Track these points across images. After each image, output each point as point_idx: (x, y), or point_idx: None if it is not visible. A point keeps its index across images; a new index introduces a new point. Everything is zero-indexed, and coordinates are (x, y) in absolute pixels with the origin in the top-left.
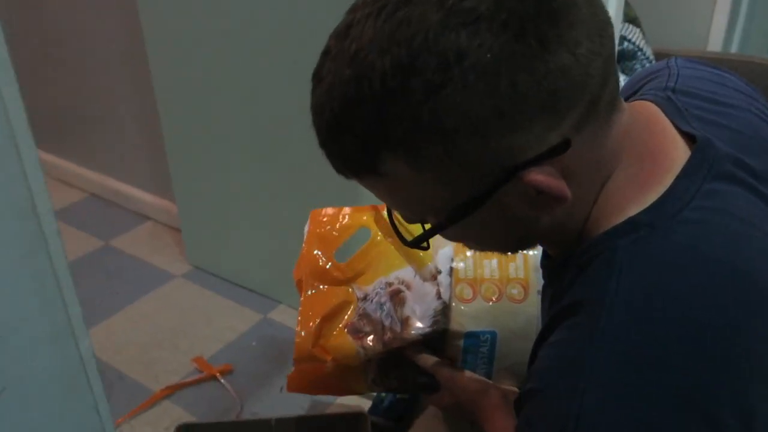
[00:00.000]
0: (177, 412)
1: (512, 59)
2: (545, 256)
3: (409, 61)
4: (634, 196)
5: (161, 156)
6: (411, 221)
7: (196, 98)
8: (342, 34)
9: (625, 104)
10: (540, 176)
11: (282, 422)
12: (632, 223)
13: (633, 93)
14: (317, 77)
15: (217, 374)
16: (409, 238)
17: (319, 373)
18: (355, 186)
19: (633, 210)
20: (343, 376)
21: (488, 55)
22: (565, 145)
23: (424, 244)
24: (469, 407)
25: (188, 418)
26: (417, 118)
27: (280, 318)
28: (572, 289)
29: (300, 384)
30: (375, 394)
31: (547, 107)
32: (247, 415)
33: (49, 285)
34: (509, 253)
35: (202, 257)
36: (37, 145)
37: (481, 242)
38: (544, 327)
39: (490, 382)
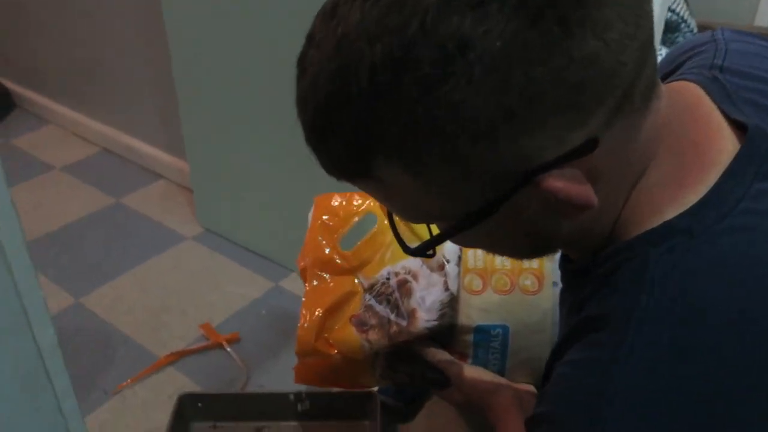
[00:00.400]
0: (181, 380)
1: (527, 48)
2: (565, 257)
3: (403, 52)
4: (672, 196)
5: (175, 114)
6: (415, 223)
7: (212, 57)
8: (328, 14)
9: (663, 88)
10: (560, 182)
11: (288, 397)
12: (668, 227)
13: (673, 70)
14: (301, 66)
15: (224, 342)
16: (414, 239)
17: (326, 365)
18: None
19: (670, 212)
20: (351, 369)
21: (498, 44)
22: (591, 145)
23: (430, 252)
24: (479, 406)
25: (192, 386)
26: (412, 120)
27: (291, 287)
28: (594, 299)
29: (306, 376)
30: None
31: (570, 104)
32: (252, 387)
33: None
34: (526, 261)
35: (213, 220)
36: (52, 97)
37: (492, 250)
38: (561, 339)
39: (503, 379)
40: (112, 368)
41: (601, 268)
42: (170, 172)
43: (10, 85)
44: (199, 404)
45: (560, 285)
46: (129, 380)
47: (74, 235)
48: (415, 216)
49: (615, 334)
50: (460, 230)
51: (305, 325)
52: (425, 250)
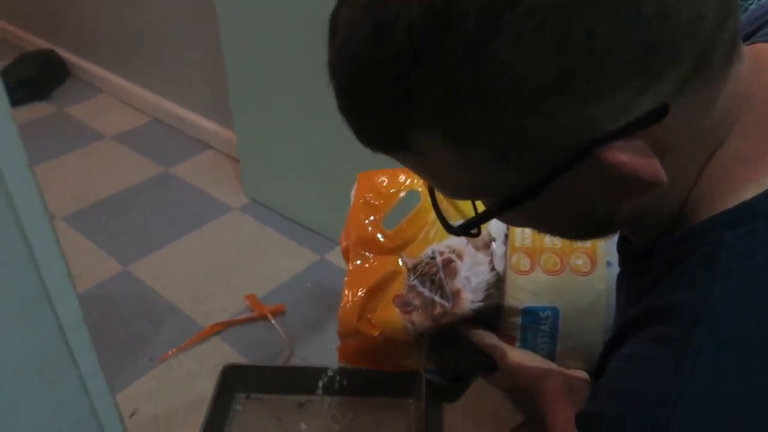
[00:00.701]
0: (226, 351)
1: (588, 1)
2: (623, 237)
3: (444, 6)
4: (752, 174)
5: (223, 84)
6: (458, 199)
7: (261, 26)
8: None
9: (745, 50)
10: (624, 155)
11: (332, 372)
12: (747, 209)
13: (754, 30)
14: (332, 26)
15: (269, 314)
16: (458, 216)
17: (369, 346)
18: None
19: (749, 192)
20: (394, 350)
21: None
22: (660, 113)
23: (474, 231)
24: (527, 391)
25: (237, 357)
26: (455, 85)
27: (337, 260)
28: (658, 288)
29: (350, 356)
30: None
31: (638, 66)
32: (296, 361)
33: (12, 240)
34: (579, 242)
35: (260, 191)
36: (105, 66)
37: (542, 230)
38: (617, 330)
39: (553, 364)
40: (158, 336)
41: (666, 253)
42: (218, 143)
43: (64, 54)
44: (243, 376)
45: (615, 266)
46: (174, 349)
47: (123, 204)
48: (458, 192)
49: (682, 330)
50: (508, 208)
51: (347, 305)
52: (469, 229)
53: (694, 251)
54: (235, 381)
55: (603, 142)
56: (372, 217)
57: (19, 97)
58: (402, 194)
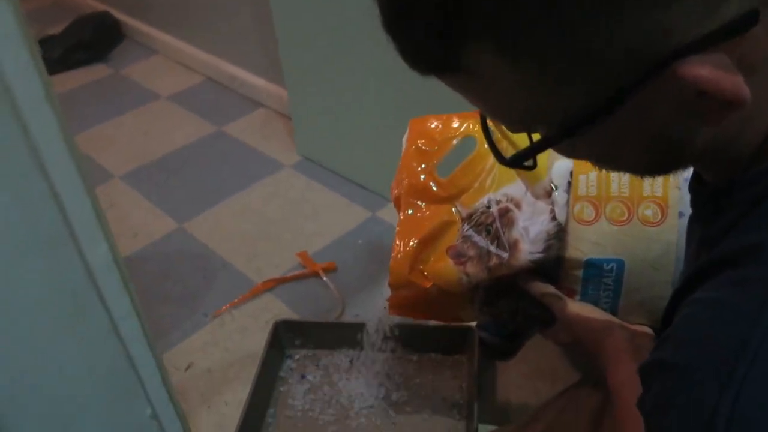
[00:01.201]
0: (278, 307)
1: None
2: (696, 176)
3: None
4: None
5: (274, 42)
6: (514, 131)
7: None
8: None
9: None
10: (705, 69)
11: (384, 328)
12: None
13: None
14: None
15: (320, 271)
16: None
17: (421, 298)
18: None
19: None
20: (447, 302)
21: None
22: (748, 21)
23: (529, 162)
24: (589, 347)
25: (289, 313)
26: None
27: (389, 217)
28: (736, 230)
29: (401, 307)
30: None
31: None
32: (348, 317)
33: (29, 173)
34: (647, 178)
35: (311, 148)
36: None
37: (607, 162)
38: (690, 274)
39: (616, 319)
40: (212, 292)
41: (746, 192)
42: (270, 100)
43: (119, 15)
44: (295, 331)
45: (687, 215)
46: (228, 305)
47: (178, 162)
48: (513, 119)
49: (765, 273)
50: (570, 134)
51: (398, 256)
52: (523, 160)
53: None
54: (286, 336)
55: (681, 55)
56: (424, 165)
57: (76, 59)
58: (456, 140)
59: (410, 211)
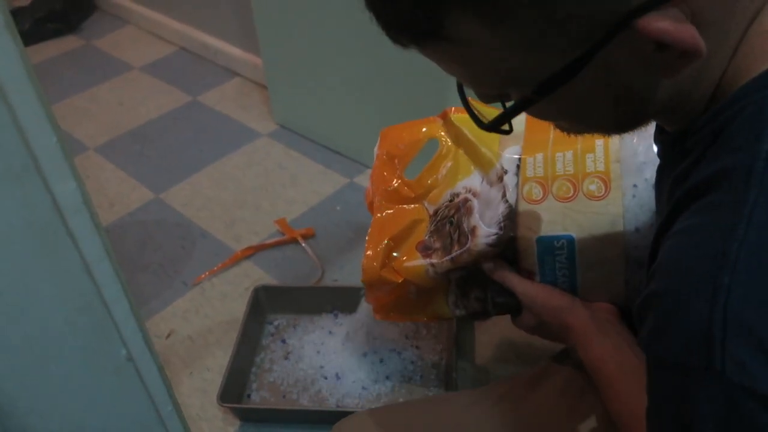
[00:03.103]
0: (257, 273)
1: None
2: (660, 129)
3: None
4: None
5: (249, 9)
6: (488, 100)
7: None
8: None
9: None
10: (663, 23)
11: (362, 292)
12: None
13: None
14: None
15: (299, 238)
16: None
17: (400, 297)
18: None
19: None
20: (425, 300)
21: None
22: None
23: (506, 126)
24: (554, 328)
25: (268, 280)
26: None
27: (365, 183)
28: (705, 161)
29: (385, 312)
30: None
31: None
32: (327, 282)
33: None
34: (614, 135)
35: (288, 116)
36: None
37: (578, 120)
38: (665, 216)
39: (576, 298)
40: (191, 261)
41: (707, 128)
42: (246, 69)
43: None
44: (275, 297)
45: (632, 190)
46: (207, 273)
47: (153, 133)
48: (491, 83)
49: (734, 193)
50: (542, 95)
51: (369, 253)
52: (500, 124)
53: (736, 116)
54: (266, 301)
55: (640, 13)
56: (394, 171)
57: (47, 31)
58: (422, 144)
59: (381, 214)
